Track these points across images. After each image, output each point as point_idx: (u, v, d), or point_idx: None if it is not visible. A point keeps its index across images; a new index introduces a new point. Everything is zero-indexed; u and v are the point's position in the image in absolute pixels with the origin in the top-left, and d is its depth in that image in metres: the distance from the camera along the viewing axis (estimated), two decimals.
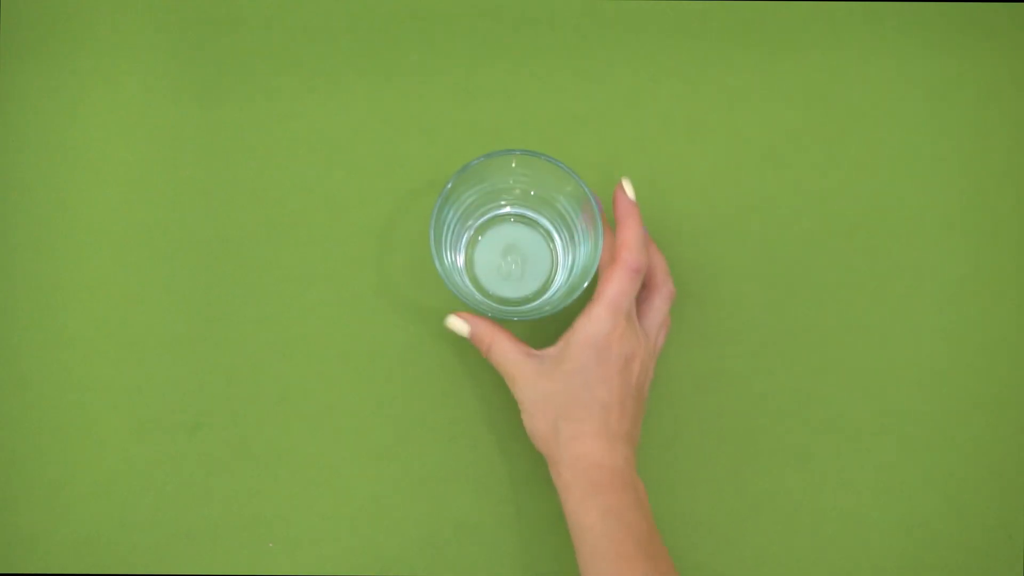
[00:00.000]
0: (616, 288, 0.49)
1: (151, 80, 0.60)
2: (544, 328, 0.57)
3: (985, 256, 0.59)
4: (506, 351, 0.51)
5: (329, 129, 0.60)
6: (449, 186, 0.50)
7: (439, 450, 0.57)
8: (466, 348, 0.57)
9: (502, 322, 0.53)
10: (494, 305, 0.54)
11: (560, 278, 0.55)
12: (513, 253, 0.56)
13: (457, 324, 0.52)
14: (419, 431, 0.57)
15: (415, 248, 0.59)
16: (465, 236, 0.55)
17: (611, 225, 0.53)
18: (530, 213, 0.56)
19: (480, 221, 0.56)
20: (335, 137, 0.60)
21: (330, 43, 0.60)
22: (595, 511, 0.47)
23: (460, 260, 0.55)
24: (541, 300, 0.55)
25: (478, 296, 0.54)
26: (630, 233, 0.50)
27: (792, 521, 0.57)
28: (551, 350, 0.50)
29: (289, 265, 0.59)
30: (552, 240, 0.55)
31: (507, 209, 0.56)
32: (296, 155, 0.60)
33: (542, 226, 0.56)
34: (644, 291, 0.52)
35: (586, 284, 0.50)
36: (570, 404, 0.49)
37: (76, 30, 0.60)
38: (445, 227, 0.52)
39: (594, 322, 0.49)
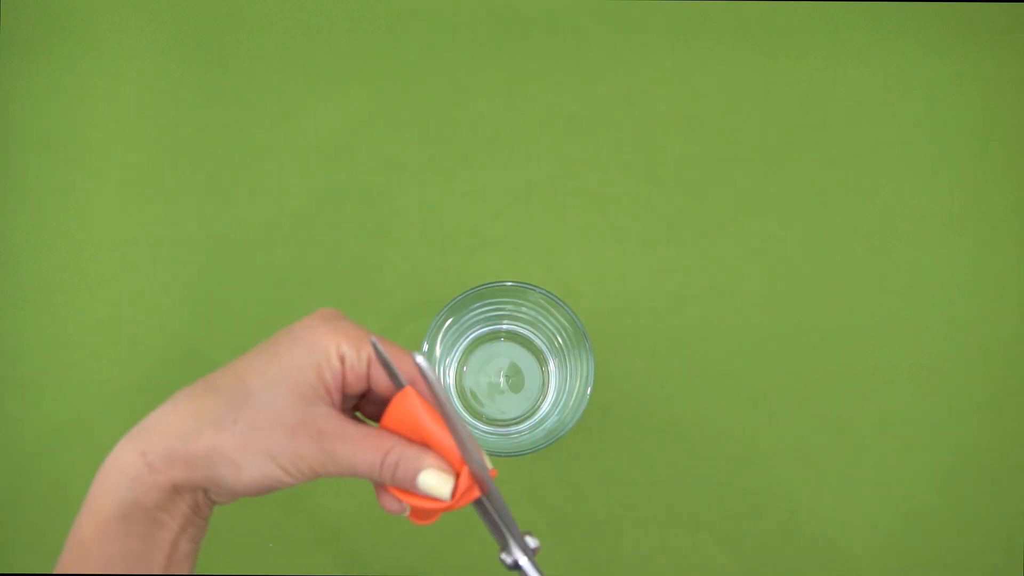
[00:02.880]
0: None
1: (151, 80, 0.60)
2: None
3: (985, 256, 0.59)
4: None
5: (329, 129, 0.60)
6: (447, 322, 0.51)
7: None
8: None
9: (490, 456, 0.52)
10: (481, 426, 0.55)
11: (549, 401, 0.55)
12: (503, 370, 0.56)
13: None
14: None
15: (415, 246, 0.59)
16: (455, 353, 0.55)
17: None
18: (522, 330, 0.56)
19: (470, 338, 0.56)
20: (335, 137, 0.60)
21: (330, 43, 0.60)
22: None
23: (451, 377, 0.55)
24: (529, 423, 0.55)
25: (467, 416, 0.55)
26: None
27: (792, 521, 0.57)
28: None
29: (289, 264, 0.59)
30: (544, 359, 0.56)
31: (499, 326, 0.56)
32: (296, 155, 0.60)
33: (534, 345, 0.56)
34: None
35: (570, 427, 0.50)
36: None
37: (76, 30, 0.60)
38: (434, 355, 0.53)
39: None
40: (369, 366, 0.37)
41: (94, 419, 0.57)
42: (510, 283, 0.51)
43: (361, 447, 0.35)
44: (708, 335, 0.58)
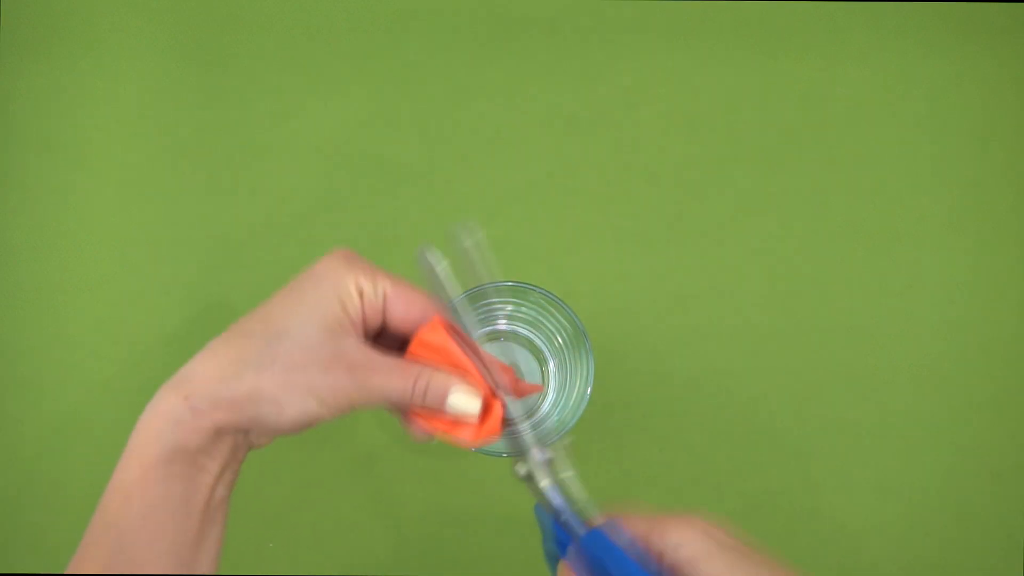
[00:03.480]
0: None
1: (151, 80, 0.60)
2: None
3: (985, 256, 0.59)
4: None
5: (329, 129, 0.60)
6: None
7: (438, 449, 0.57)
8: None
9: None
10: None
11: (549, 401, 0.55)
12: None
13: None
14: None
15: (415, 246, 0.59)
16: None
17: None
18: (522, 330, 0.56)
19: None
20: (335, 137, 0.60)
21: (330, 43, 0.60)
22: None
23: None
24: (530, 423, 0.55)
25: None
26: None
27: (792, 521, 0.57)
28: None
29: (289, 264, 0.59)
30: (544, 359, 0.56)
31: (500, 326, 0.56)
32: (296, 155, 0.60)
33: (534, 345, 0.56)
34: None
35: (570, 427, 0.50)
36: None
37: (76, 30, 0.60)
38: None
39: None
40: (385, 300, 0.38)
41: (94, 419, 0.57)
42: (510, 283, 0.51)
43: (392, 375, 0.37)
44: (708, 335, 0.58)
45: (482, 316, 0.55)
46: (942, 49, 0.61)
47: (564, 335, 0.53)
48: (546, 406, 0.55)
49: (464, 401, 0.38)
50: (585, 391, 0.50)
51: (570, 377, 0.53)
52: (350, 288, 0.38)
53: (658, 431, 0.57)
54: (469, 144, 0.60)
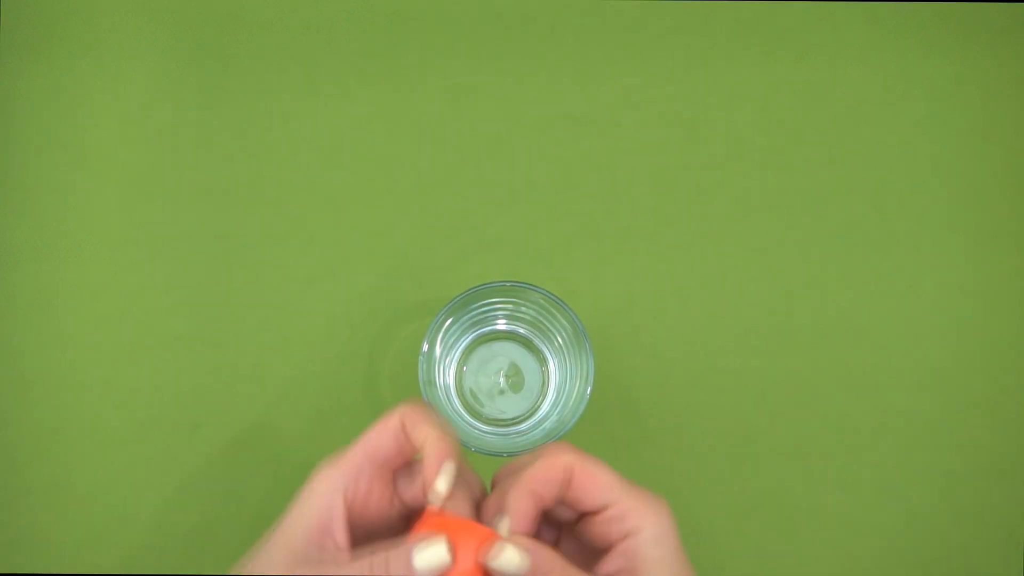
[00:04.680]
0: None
1: (152, 80, 0.60)
2: None
3: (985, 256, 0.59)
4: None
5: (329, 129, 0.60)
6: (447, 322, 0.52)
7: None
8: None
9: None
10: (481, 426, 0.55)
11: (549, 401, 0.55)
12: (503, 370, 0.56)
13: (510, 556, 0.36)
14: None
15: (416, 247, 0.59)
16: (455, 353, 0.56)
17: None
18: (522, 330, 0.56)
19: (470, 338, 0.56)
20: (335, 137, 0.60)
21: (330, 43, 0.60)
22: None
23: (451, 377, 0.55)
24: (529, 423, 0.55)
25: (466, 417, 0.55)
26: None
27: (792, 521, 0.57)
28: None
29: (289, 264, 0.59)
30: (544, 359, 0.56)
31: (498, 326, 0.56)
32: (296, 155, 0.60)
33: (534, 345, 0.56)
34: None
35: (570, 427, 0.50)
36: None
37: (76, 30, 0.60)
38: (434, 355, 0.53)
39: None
40: (367, 496, 0.40)
41: (94, 419, 0.57)
42: (510, 283, 0.51)
43: (350, 569, 0.36)
44: (708, 335, 0.58)
45: (482, 316, 0.55)
46: (942, 49, 0.61)
47: (564, 335, 0.53)
48: (546, 406, 0.55)
49: (429, 553, 0.35)
50: (585, 391, 0.50)
51: (570, 377, 0.53)
52: (335, 499, 0.39)
53: (658, 431, 0.57)
54: (469, 144, 0.60)
